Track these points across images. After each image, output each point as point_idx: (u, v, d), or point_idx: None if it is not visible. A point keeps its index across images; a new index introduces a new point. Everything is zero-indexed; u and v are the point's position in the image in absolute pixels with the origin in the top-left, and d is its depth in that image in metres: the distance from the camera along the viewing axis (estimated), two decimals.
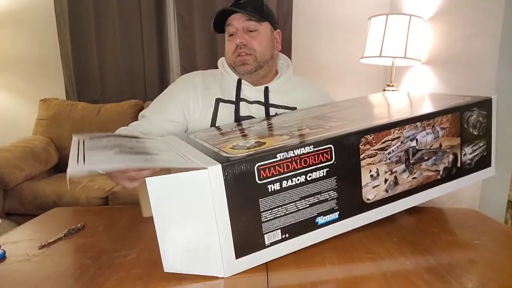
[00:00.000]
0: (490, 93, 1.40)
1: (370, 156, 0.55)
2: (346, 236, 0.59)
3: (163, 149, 0.56)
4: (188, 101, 0.88)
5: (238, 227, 0.47)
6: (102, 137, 0.58)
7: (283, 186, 0.49)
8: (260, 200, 0.48)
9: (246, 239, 0.48)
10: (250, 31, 0.86)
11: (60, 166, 2.18)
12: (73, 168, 0.44)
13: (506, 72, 1.35)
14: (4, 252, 0.54)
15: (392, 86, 2.05)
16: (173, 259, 0.48)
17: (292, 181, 0.50)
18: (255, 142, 0.54)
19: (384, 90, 2.07)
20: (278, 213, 0.49)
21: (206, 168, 0.45)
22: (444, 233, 0.62)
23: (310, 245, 0.54)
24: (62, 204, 1.72)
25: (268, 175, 0.48)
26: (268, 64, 0.89)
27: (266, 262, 0.51)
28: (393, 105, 0.77)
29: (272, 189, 0.48)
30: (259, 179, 0.47)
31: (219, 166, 0.45)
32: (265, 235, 0.49)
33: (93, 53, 2.32)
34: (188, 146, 0.58)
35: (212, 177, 0.45)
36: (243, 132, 0.64)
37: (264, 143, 0.53)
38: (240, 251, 0.48)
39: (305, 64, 2.43)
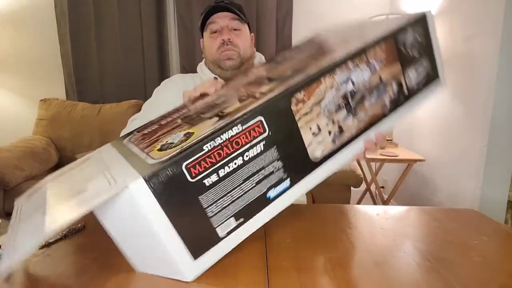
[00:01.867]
0: (490, 94, 1.40)
1: (306, 114, 0.51)
2: (346, 236, 0.59)
3: (92, 176, 0.51)
4: (173, 102, 0.90)
5: (185, 230, 0.45)
6: (36, 190, 0.54)
7: (220, 176, 0.46)
8: (199, 197, 0.45)
9: (199, 238, 0.46)
10: (234, 29, 0.90)
11: (60, 166, 2.18)
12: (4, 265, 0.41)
13: (506, 72, 1.35)
14: None
15: None
16: (141, 265, 0.49)
17: (229, 167, 0.46)
18: (184, 135, 0.49)
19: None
20: (224, 203, 0.47)
21: (127, 187, 0.41)
22: (444, 233, 0.62)
23: (311, 246, 0.54)
24: None
25: (200, 170, 0.44)
26: (248, 63, 0.94)
27: (266, 263, 0.51)
28: (327, 45, 0.70)
29: (210, 183, 0.45)
30: (192, 178, 0.44)
31: (141, 180, 0.42)
32: (217, 228, 0.47)
33: (93, 53, 2.32)
34: (117, 158, 0.53)
35: (137, 194, 0.42)
36: (176, 122, 0.58)
37: (192, 133, 0.48)
38: (196, 251, 0.46)
39: None
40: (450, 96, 1.71)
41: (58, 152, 2.17)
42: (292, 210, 0.71)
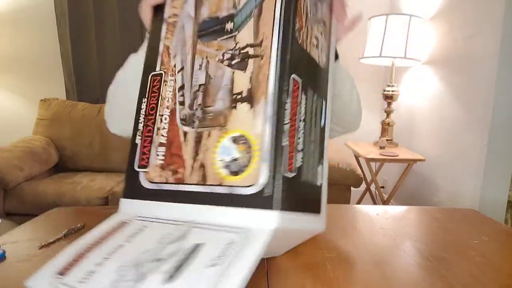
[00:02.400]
0: (490, 94, 1.40)
1: (306, 37, 0.49)
2: (346, 236, 0.59)
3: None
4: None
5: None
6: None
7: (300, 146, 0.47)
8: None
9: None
10: None
11: (60, 166, 2.19)
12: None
13: (506, 72, 1.35)
14: (4, 252, 0.54)
15: (392, 86, 2.05)
16: None
17: (302, 132, 0.48)
18: (234, 142, 0.46)
19: (384, 91, 2.07)
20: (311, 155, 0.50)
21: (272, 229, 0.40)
22: (444, 233, 0.62)
23: (310, 246, 0.54)
24: (62, 204, 1.72)
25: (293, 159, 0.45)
26: None
27: (266, 263, 0.51)
28: None
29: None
30: (290, 172, 0.45)
31: (277, 213, 0.40)
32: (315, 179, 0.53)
33: (93, 53, 2.32)
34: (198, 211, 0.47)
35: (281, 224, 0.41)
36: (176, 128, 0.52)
37: (242, 136, 0.45)
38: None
39: None
40: (450, 96, 1.71)
41: (58, 152, 2.17)
42: None
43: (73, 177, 1.99)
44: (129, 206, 0.50)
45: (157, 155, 0.49)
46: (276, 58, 0.44)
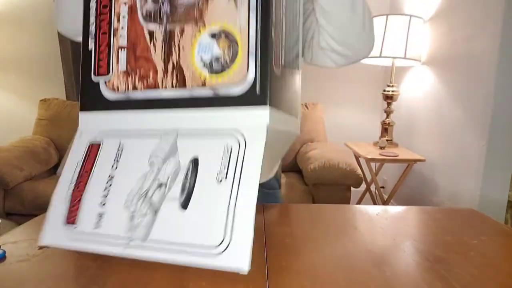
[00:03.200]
0: (490, 94, 1.40)
1: None
2: (346, 236, 0.59)
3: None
4: None
5: None
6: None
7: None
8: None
9: None
10: None
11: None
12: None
13: (506, 72, 1.35)
14: (4, 252, 0.54)
15: (392, 86, 2.05)
16: None
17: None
18: (216, 38, 0.41)
19: (384, 91, 2.07)
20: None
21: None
22: (443, 233, 0.62)
23: (310, 246, 0.54)
24: None
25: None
26: None
27: (266, 263, 0.51)
28: None
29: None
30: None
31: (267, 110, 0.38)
32: None
33: None
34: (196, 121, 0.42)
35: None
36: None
37: (225, 32, 0.42)
38: None
39: (305, 64, 2.42)
40: (450, 96, 1.71)
41: (58, 152, 2.18)
42: (292, 210, 0.71)
43: None
44: (90, 120, 0.44)
45: (119, 60, 0.43)
46: None
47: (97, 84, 0.44)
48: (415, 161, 1.84)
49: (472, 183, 1.51)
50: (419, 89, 2.06)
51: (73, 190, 0.41)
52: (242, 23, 0.38)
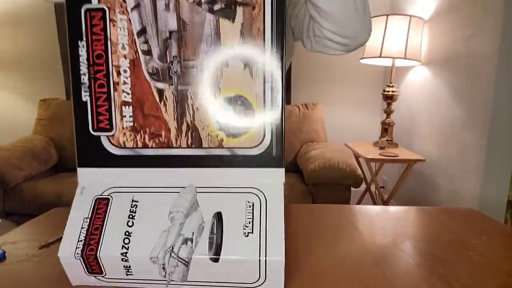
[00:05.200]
0: (490, 93, 1.40)
1: None
2: (346, 236, 0.59)
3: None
4: None
5: None
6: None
7: None
8: None
9: None
10: None
11: (60, 166, 2.19)
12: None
13: (506, 72, 1.35)
14: (4, 252, 0.54)
15: (392, 86, 2.05)
16: None
17: None
18: (231, 101, 0.42)
19: (384, 91, 2.07)
20: None
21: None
22: (444, 232, 0.62)
23: (310, 246, 0.54)
24: (62, 204, 1.72)
25: None
26: None
27: None
28: None
29: None
30: None
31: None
32: None
33: None
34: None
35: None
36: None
37: (240, 96, 0.43)
38: None
39: (305, 64, 2.43)
40: (450, 96, 1.71)
41: (58, 152, 2.17)
42: (292, 210, 0.71)
43: (73, 177, 1.99)
44: (94, 175, 0.42)
45: (123, 115, 0.42)
46: (272, 10, 0.39)
47: (97, 138, 0.42)
48: (415, 161, 1.84)
49: (472, 183, 1.51)
50: (419, 89, 2.06)
51: (83, 249, 0.39)
52: (258, 91, 0.40)
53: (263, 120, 0.40)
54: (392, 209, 0.74)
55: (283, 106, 0.41)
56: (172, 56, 0.40)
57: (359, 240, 0.58)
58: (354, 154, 2.05)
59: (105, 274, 0.40)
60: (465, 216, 0.71)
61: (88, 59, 0.41)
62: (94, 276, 0.40)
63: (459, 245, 0.57)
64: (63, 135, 2.18)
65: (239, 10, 0.39)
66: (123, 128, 0.42)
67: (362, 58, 2.04)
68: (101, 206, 0.41)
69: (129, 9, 0.40)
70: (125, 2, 0.40)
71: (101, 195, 0.42)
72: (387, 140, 2.05)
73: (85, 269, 0.40)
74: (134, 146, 0.42)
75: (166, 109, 0.41)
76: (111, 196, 0.42)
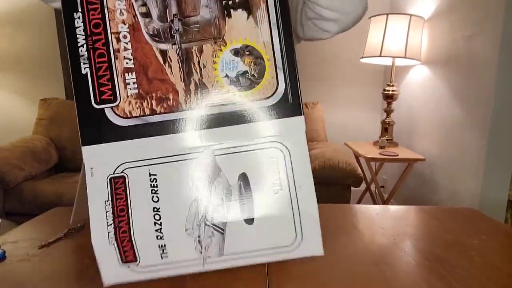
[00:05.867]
0: (490, 93, 1.40)
1: None
2: (346, 236, 0.59)
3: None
4: None
5: None
6: None
7: None
8: None
9: None
10: None
11: (60, 166, 2.19)
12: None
13: (506, 72, 1.35)
14: (4, 252, 0.54)
15: (392, 85, 2.05)
16: None
17: None
18: (240, 55, 0.41)
19: (384, 90, 2.07)
20: None
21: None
22: (444, 233, 0.62)
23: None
24: (62, 204, 1.72)
25: None
26: None
27: (266, 263, 0.51)
28: None
29: None
30: None
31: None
32: None
33: None
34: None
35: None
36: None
37: (248, 47, 0.42)
38: None
39: (305, 63, 2.42)
40: (450, 96, 1.71)
41: (58, 152, 2.17)
42: None
43: (73, 177, 1.99)
44: (101, 153, 0.39)
45: (127, 83, 0.40)
46: None
47: (100, 111, 0.39)
48: (415, 160, 1.84)
49: (472, 183, 1.51)
50: (419, 88, 2.06)
51: (116, 233, 0.38)
52: (265, 39, 0.39)
53: (274, 68, 0.39)
54: (392, 208, 0.74)
55: (293, 48, 0.39)
56: (172, 14, 0.39)
57: (359, 239, 0.58)
58: (354, 154, 2.05)
59: (139, 262, 0.38)
60: (465, 216, 0.71)
61: (85, 30, 0.40)
62: (128, 267, 0.39)
63: (459, 245, 0.57)
64: (63, 135, 2.18)
65: None
66: (127, 96, 0.40)
67: (362, 57, 2.04)
68: (118, 186, 0.39)
69: None
70: None
71: (114, 173, 0.39)
72: (387, 140, 2.05)
73: (119, 257, 0.38)
74: (142, 114, 0.40)
75: (171, 70, 0.40)
76: (125, 174, 0.39)
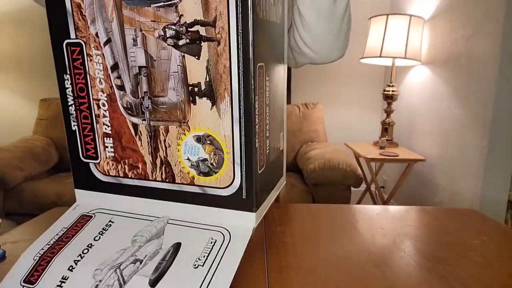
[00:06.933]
0: (490, 94, 1.40)
1: None
2: (346, 236, 0.59)
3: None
4: None
5: None
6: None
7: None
8: None
9: None
10: None
11: (60, 166, 2.19)
12: None
13: (506, 72, 1.35)
14: (4, 252, 0.54)
15: (392, 86, 2.05)
16: None
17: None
18: (201, 143, 0.42)
19: (384, 91, 2.07)
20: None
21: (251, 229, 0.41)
22: (444, 233, 0.62)
23: (310, 246, 0.54)
24: (62, 204, 1.72)
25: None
26: None
27: (266, 263, 0.51)
28: None
29: None
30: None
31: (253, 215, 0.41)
32: None
33: None
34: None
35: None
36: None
37: (208, 136, 0.42)
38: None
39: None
40: (450, 96, 1.71)
41: (58, 152, 2.17)
42: (292, 210, 0.71)
43: None
44: (85, 197, 0.46)
45: (106, 146, 0.44)
46: (238, 47, 0.37)
47: (86, 164, 0.45)
48: (415, 161, 1.84)
49: (472, 183, 1.51)
50: (419, 88, 2.06)
51: (46, 250, 0.40)
52: (227, 132, 0.39)
53: (231, 161, 0.40)
54: (392, 209, 0.74)
55: (254, 145, 0.39)
56: (143, 91, 0.40)
57: (359, 240, 0.58)
58: (354, 154, 2.05)
59: (37, 285, 0.38)
60: (466, 217, 0.71)
61: (73, 92, 0.44)
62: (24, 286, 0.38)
63: (460, 246, 0.57)
64: (63, 135, 2.16)
65: (204, 46, 0.38)
66: (106, 157, 0.44)
67: (362, 58, 2.04)
68: (82, 221, 0.44)
69: (101, 44, 0.40)
70: (98, 37, 0.40)
71: (87, 213, 0.45)
72: (387, 140, 2.05)
73: (27, 274, 0.38)
74: (117, 174, 0.44)
75: (141, 143, 0.42)
76: (94, 214, 0.45)
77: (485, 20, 1.45)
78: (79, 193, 0.47)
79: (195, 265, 0.37)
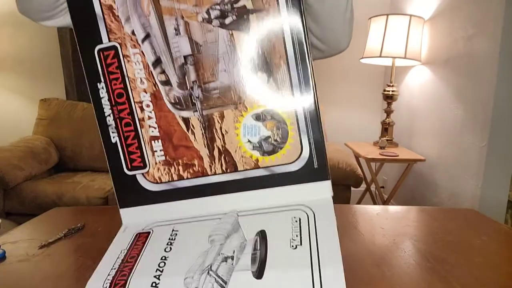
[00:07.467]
0: (490, 94, 1.40)
1: None
2: (346, 236, 0.59)
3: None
4: None
5: None
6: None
7: None
8: None
9: None
10: None
11: (60, 166, 2.19)
12: None
13: (506, 72, 1.35)
14: (4, 252, 0.54)
15: (392, 86, 2.05)
16: None
17: None
18: (256, 118, 0.40)
19: (384, 91, 2.07)
20: None
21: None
22: (444, 233, 0.62)
23: None
24: (62, 204, 1.72)
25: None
26: None
27: None
28: None
29: None
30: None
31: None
32: None
33: None
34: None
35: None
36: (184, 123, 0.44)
37: (260, 115, 0.41)
38: None
39: None
40: (450, 96, 1.71)
41: (58, 152, 2.17)
42: None
43: (73, 177, 1.99)
44: (135, 215, 0.43)
45: (154, 150, 0.41)
46: (288, 10, 0.36)
47: (133, 177, 0.42)
48: (415, 161, 1.84)
49: (472, 183, 1.51)
50: (419, 89, 2.06)
51: (115, 275, 0.37)
52: (287, 101, 0.38)
53: (297, 132, 0.38)
54: (392, 209, 0.74)
55: (318, 110, 0.38)
56: (191, 81, 0.39)
57: (359, 239, 0.58)
58: (354, 154, 2.05)
59: None
60: (465, 217, 0.71)
61: (110, 100, 0.41)
62: None
63: (459, 246, 0.57)
64: (63, 135, 2.18)
65: (253, 18, 0.36)
66: (156, 163, 0.41)
67: (362, 58, 2.04)
68: (140, 239, 0.40)
69: (139, 42, 0.39)
70: (135, 35, 0.39)
71: (142, 230, 0.41)
72: (387, 140, 2.05)
73: None
74: (170, 179, 0.41)
75: (195, 137, 0.40)
76: (152, 229, 0.41)
77: (485, 20, 1.45)
78: (127, 213, 0.43)
79: (292, 245, 0.35)
